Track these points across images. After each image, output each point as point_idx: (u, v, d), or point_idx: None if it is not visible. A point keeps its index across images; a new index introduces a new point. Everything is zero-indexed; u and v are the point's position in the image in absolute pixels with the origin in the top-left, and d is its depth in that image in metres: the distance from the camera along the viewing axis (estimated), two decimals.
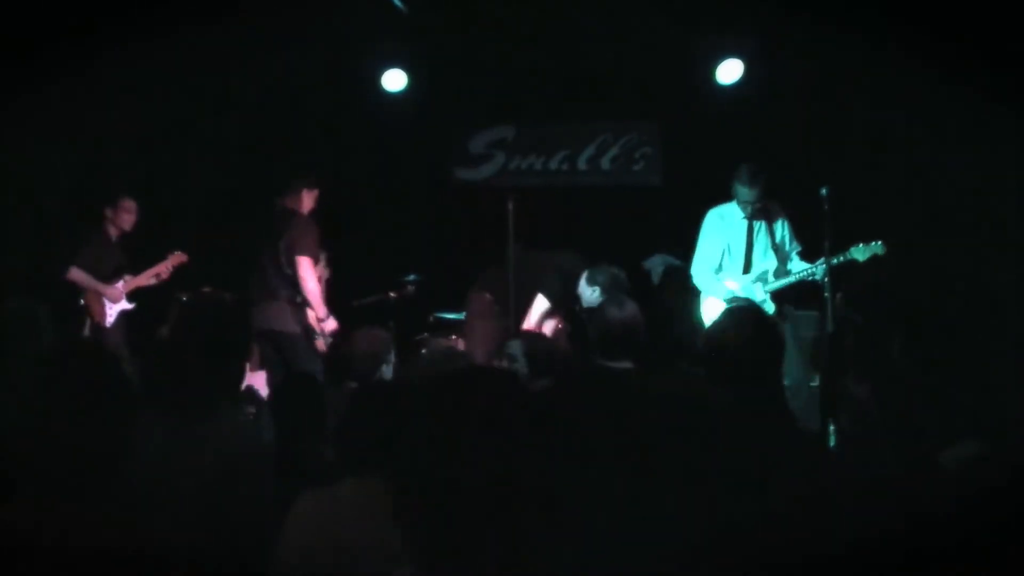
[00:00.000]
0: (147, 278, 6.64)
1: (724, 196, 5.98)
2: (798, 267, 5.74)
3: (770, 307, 5.75)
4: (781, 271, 5.80)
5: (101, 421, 2.00)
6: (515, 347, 4.15)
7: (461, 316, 6.77)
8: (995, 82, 5.44)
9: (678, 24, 6.69)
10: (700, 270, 6.04)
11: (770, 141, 6.96)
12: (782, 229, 5.91)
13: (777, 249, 5.86)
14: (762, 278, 5.86)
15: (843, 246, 5.50)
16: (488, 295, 6.14)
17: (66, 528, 1.85)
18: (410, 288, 6.82)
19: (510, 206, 6.16)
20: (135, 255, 6.75)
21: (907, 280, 5.74)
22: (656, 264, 7.37)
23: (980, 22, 5.25)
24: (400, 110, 7.45)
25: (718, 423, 2.71)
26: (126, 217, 6.53)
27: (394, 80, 7.31)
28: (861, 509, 2.85)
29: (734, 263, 5.97)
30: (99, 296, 6.42)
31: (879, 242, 5.45)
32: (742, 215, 5.89)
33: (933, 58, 5.55)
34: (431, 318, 6.91)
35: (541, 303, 5.85)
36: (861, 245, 5.45)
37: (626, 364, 3.68)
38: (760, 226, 5.89)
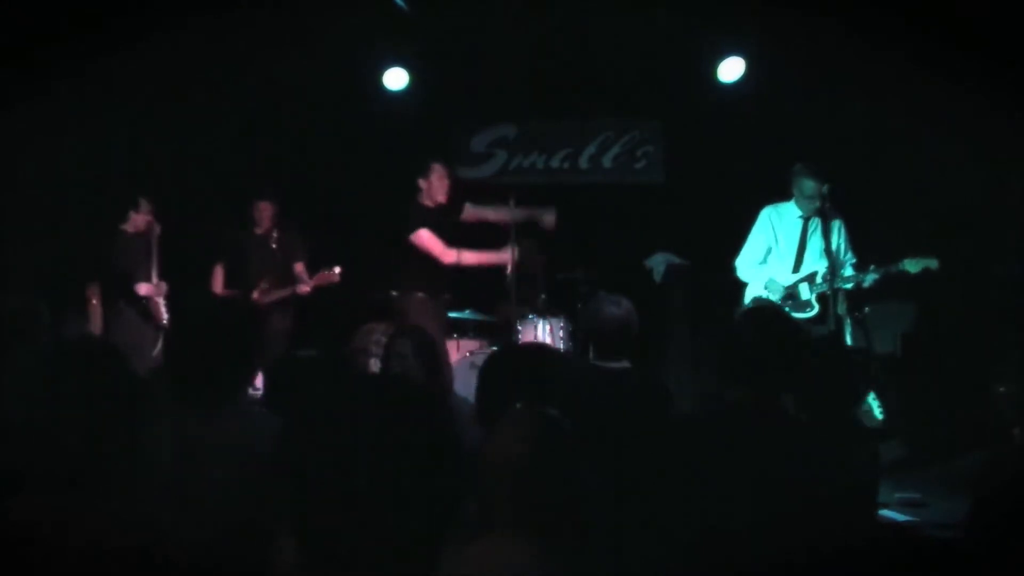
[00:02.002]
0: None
1: (725, 194, 5.95)
2: (848, 273, 5.69)
3: (814, 308, 5.73)
4: (830, 275, 5.64)
5: (106, 417, 2.01)
6: (405, 346, 3.90)
7: (464, 315, 6.76)
8: (997, 81, 5.43)
9: (679, 22, 6.68)
10: (744, 263, 6.03)
11: (771, 139, 6.95)
12: (838, 236, 5.79)
13: (830, 253, 5.68)
14: (811, 278, 5.81)
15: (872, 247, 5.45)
16: (420, 294, 6.02)
17: (73, 525, 1.85)
18: None
19: (511, 204, 6.16)
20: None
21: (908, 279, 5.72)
22: (658, 262, 7.37)
23: (981, 20, 5.24)
24: (401, 109, 7.43)
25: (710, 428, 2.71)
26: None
27: (395, 79, 7.29)
28: (861, 509, 2.85)
29: (784, 261, 5.93)
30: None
31: (934, 259, 5.41)
32: (798, 214, 5.86)
33: (934, 56, 5.54)
34: None
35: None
36: (916, 258, 5.42)
37: (623, 364, 3.65)
38: (815, 226, 5.80)
